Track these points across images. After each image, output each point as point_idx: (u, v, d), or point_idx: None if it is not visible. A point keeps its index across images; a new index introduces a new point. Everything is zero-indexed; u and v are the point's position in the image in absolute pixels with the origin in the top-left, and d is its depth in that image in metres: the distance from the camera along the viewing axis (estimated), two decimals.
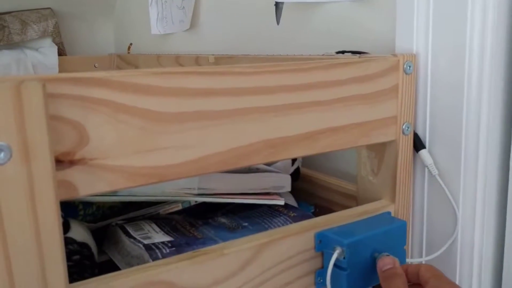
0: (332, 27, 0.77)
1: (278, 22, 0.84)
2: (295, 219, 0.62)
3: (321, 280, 0.54)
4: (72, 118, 0.38)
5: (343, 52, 0.66)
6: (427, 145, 0.61)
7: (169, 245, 0.55)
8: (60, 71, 1.43)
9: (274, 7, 0.84)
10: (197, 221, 0.64)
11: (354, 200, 0.68)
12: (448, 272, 0.60)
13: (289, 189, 0.70)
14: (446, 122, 0.59)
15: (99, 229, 0.66)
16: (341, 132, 0.54)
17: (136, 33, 1.50)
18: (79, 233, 0.57)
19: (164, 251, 0.54)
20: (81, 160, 0.38)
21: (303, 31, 0.83)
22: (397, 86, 0.58)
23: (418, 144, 0.61)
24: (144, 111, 0.41)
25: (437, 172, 0.60)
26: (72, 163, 0.38)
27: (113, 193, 0.61)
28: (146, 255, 0.53)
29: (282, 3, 0.84)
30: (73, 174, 0.38)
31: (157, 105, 0.42)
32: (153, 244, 0.56)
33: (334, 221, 0.55)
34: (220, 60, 0.90)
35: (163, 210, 0.71)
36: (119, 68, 1.49)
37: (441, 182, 0.60)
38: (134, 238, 0.58)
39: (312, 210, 0.75)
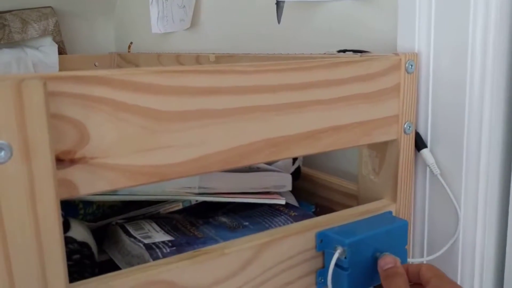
0: (333, 25, 0.77)
1: (279, 21, 0.83)
2: (296, 219, 0.62)
3: (322, 280, 0.53)
4: (73, 116, 0.37)
5: (344, 51, 0.65)
6: (428, 144, 0.61)
7: (170, 244, 0.55)
8: (60, 70, 1.43)
9: (275, 5, 0.83)
10: (198, 221, 0.64)
11: (355, 199, 0.68)
12: (449, 272, 0.60)
13: (290, 188, 0.70)
14: (448, 122, 0.59)
15: (99, 228, 0.65)
16: (342, 131, 0.54)
17: (136, 32, 1.50)
18: (79, 232, 0.57)
19: (164, 250, 0.54)
20: (81, 159, 0.38)
21: (304, 30, 0.82)
22: (399, 85, 0.58)
23: (419, 144, 0.61)
24: (145, 110, 0.41)
25: (438, 172, 0.60)
26: (72, 162, 0.38)
27: (114, 192, 0.61)
28: (146, 255, 0.53)
29: (283, 1, 0.84)
30: (73, 173, 0.38)
31: (158, 103, 0.41)
32: (154, 243, 0.55)
33: (335, 220, 0.55)
34: (220, 59, 0.89)
35: (164, 209, 0.71)
36: (119, 67, 1.48)
37: (442, 181, 0.60)
38: (135, 238, 0.58)
39: (313, 210, 0.75)
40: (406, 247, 0.56)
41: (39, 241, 0.36)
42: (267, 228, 0.60)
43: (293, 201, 0.71)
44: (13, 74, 0.35)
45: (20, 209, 0.34)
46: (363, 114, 0.55)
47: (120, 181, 0.41)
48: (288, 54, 0.76)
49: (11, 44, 1.41)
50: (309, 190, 0.78)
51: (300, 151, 0.51)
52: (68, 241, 0.55)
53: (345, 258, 0.50)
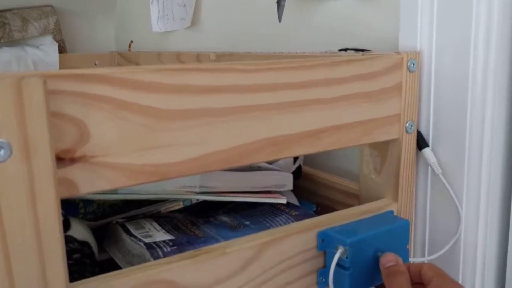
0: (334, 24, 0.76)
1: (280, 20, 0.83)
2: (297, 218, 0.62)
3: (323, 280, 0.53)
4: (73, 115, 0.37)
5: (346, 49, 0.65)
6: (430, 143, 0.61)
7: (170, 243, 0.55)
8: (60, 69, 1.42)
9: (275, 4, 0.83)
10: (199, 220, 0.64)
11: (356, 198, 0.68)
12: (451, 272, 0.59)
13: (291, 188, 0.70)
14: (450, 121, 0.59)
15: (99, 227, 0.65)
16: (344, 130, 0.54)
17: (136, 31, 1.50)
18: (80, 231, 0.57)
19: (165, 249, 0.53)
20: (82, 158, 0.38)
21: (305, 29, 0.82)
22: (401, 84, 0.58)
23: (421, 143, 0.61)
24: (146, 108, 0.41)
25: (440, 171, 0.60)
26: (72, 160, 0.38)
27: (114, 191, 0.61)
28: (147, 254, 0.53)
29: (284, 0, 0.84)
30: (73, 172, 0.38)
31: (159, 102, 0.41)
32: (154, 242, 0.55)
33: (336, 220, 0.55)
34: (221, 57, 0.89)
35: (164, 209, 0.71)
36: (119, 65, 1.48)
37: (444, 181, 0.59)
38: (135, 237, 0.57)
39: (314, 209, 0.74)
40: (407, 246, 0.55)
41: (39, 240, 0.35)
42: (268, 228, 0.60)
43: (294, 201, 0.71)
44: (13, 72, 0.34)
45: (20, 208, 0.34)
46: (364, 113, 0.55)
47: (120, 180, 0.40)
48: (289, 53, 0.76)
49: (11, 42, 1.41)
50: (310, 189, 0.78)
51: (301, 150, 0.51)
52: (68, 240, 0.54)
53: (347, 257, 0.50)
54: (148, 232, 0.59)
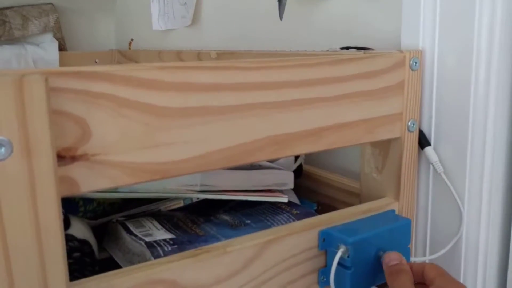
0: (336, 23, 0.76)
1: (281, 18, 0.83)
2: (298, 217, 0.62)
3: (325, 279, 0.53)
4: (74, 112, 0.37)
5: (347, 48, 0.65)
6: (432, 142, 0.61)
7: (171, 242, 0.55)
8: (60, 67, 1.42)
9: (277, 3, 0.83)
10: (199, 218, 0.64)
11: (357, 197, 0.68)
12: (452, 271, 0.59)
13: (292, 186, 0.70)
14: (452, 119, 0.58)
15: (99, 226, 0.65)
16: (345, 129, 0.53)
17: (137, 29, 1.49)
18: (80, 230, 0.57)
19: (166, 248, 0.53)
20: (83, 156, 0.38)
21: (307, 28, 0.82)
22: (403, 83, 0.57)
23: (423, 141, 0.61)
24: (147, 106, 0.40)
25: (442, 170, 0.60)
26: (74, 158, 0.37)
27: (114, 190, 0.61)
28: (147, 253, 0.52)
29: None
30: (74, 170, 0.38)
31: (161, 100, 0.41)
32: (155, 241, 0.55)
33: (337, 219, 0.55)
34: (222, 55, 0.89)
35: (165, 207, 0.70)
36: (120, 64, 1.48)
37: (446, 180, 0.59)
38: (135, 235, 0.57)
39: (315, 208, 0.74)
40: (409, 245, 0.55)
41: (39, 239, 0.35)
42: (269, 226, 0.60)
43: (294, 199, 0.71)
44: (14, 69, 0.34)
45: (20, 207, 0.34)
46: (366, 111, 0.55)
47: (122, 178, 0.40)
48: (290, 51, 0.76)
49: (12, 40, 1.41)
50: (311, 188, 0.77)
51: (303, 149, 0.51)
52: (68, 238, 0.54)
53: (348, 257, 0.50)
54: (148, 230, 0.59)
